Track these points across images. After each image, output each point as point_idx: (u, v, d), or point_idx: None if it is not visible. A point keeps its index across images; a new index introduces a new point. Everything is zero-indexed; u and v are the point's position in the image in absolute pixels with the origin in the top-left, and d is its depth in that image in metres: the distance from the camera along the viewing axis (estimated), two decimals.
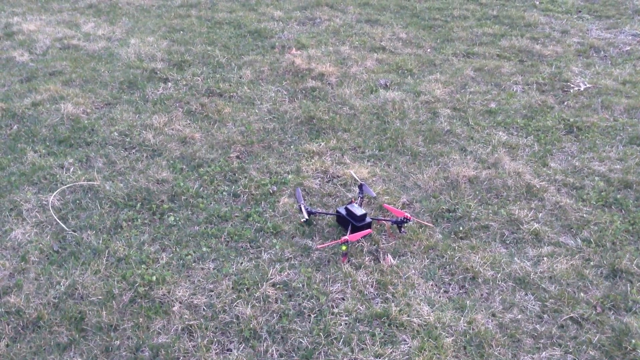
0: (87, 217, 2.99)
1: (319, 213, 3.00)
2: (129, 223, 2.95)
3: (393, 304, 2.46)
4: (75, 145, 3.64)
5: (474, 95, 4.41)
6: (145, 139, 3.69)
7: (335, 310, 2.44)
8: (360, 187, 3.06)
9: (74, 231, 2.89)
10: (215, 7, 6.50)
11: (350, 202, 2.94)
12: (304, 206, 2.96)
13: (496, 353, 2.27)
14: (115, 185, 3.21)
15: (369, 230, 2.82)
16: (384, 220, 2.94)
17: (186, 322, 2.37)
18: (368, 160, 3.55)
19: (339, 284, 2.57)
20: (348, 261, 2.70)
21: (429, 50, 5.35)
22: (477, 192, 3.25)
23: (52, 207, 3.05)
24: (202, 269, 2.66)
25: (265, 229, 2.92)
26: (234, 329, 2.35)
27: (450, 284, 2.62)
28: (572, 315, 2.45)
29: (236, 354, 2.25)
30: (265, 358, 2.24)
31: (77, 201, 3.11)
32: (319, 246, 2.80)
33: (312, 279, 2.60)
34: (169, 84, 4.49)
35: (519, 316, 2.45)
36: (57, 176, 3.30)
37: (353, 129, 3.89)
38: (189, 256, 2.73)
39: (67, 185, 3.23)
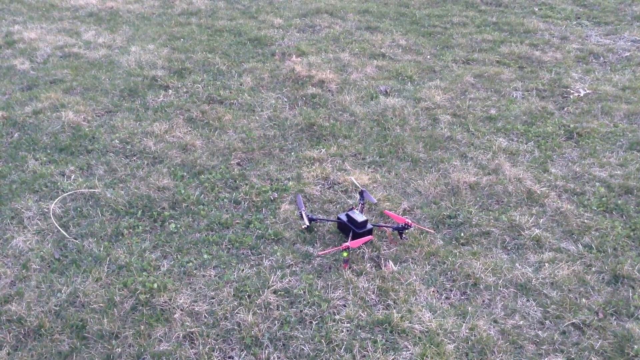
0: (88, 224, 2.99)
1: (320, 220, 3.00)
2: (130, 230, 2.95)
3: (394, 311, 2.46)
4: (76, 153, 3.65)
5: (474, 101, 4.43)
6: (146, 146, 3.69)
7: (337, 317, 2.44)
8: (361, 193, 3.06)
9: (75, 239, 2.89)
10: (216, 15, 6.52)
11: (351, 209, 2.94)
12: (305, 213, 2.96)
13: (498, 359, 2.27)
14: (116, 193, 3.21)
15: (370, 236, 2.82)
16: (385, 226, 2.94)
17: (187, 330, 2.36)
18: (369, 167, 3.55)
19: (340, 291, 2.57)
20: (349, 268, 2.70)
21: (428, 56, 5.36)
22: (478, 198, 3.25)
23: (53, 214, 3.05)
24: (204, 276, 2.66)
25: (266, 236, 2.92)
26: (235, 336, 2.35)
27: (451, 290, 2.62)
28: (574, 321, 2.44)
29: None
30: None
31: (78, 209, 3.11)
32: (320, 253, 2.80)
33: (314, 285, 2.60)
34: (170, 91, 4.50)
35: (521, 322, 2.44)
36: (58, 184, 3.31)
37: (353, 136, 3.89)
38: (190, 263, 2.73)
39: (68, 193, 3.23)
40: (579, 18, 6.47)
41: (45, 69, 4.95)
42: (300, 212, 2.98)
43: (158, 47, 5.42)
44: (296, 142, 3.83)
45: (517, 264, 2.76)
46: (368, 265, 2.73)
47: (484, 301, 2.56)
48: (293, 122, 4.06)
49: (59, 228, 2.96)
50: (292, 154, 3.68)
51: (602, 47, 5.53)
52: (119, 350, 2.28)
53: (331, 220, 3.00)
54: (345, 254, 2.68)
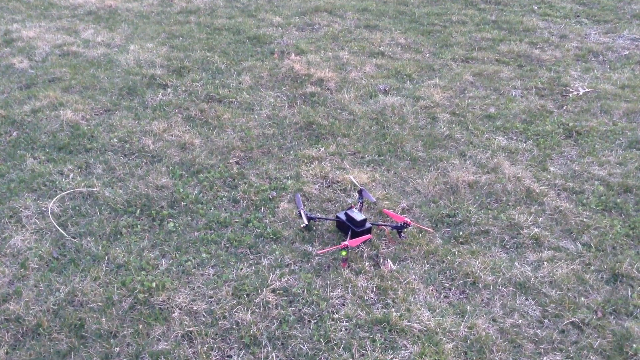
0: (86, 223, 2.99)
1: (319, 218, 3.00)
2: (129, 229, 2.95)
3: (393, 310, 2.45)
4: (75, 151, 3.64)
5: (473, 100, 4.42)
6: (145, 145, 3.69)
7: (336, 316, 2.44)
8: (360, 192, 3.06)
9: (74, 238, 2.89)
10: (215, 14, 6.51)
11: (350, 208, 2.94)
12: (304, 212, 2.96)
13: (497, 358, 2.27)
14: (114, 192, 3.21)
15: (369, 235, 2.82)
16: (384, 225, 2.93)
17: (186, 329, 2.36)
18: (367, 166, 3.55)
19: (339, 290, 2.57)
20: (348, 267, 2.70)
21: (427, 55, 5.36)
22: (477, 197, 3.25)
23: (52, 213, 3.05)
24: (202, 275, 2.66)
25: (265, 235, 2.92)
26: (234, 335, 2.35)
27: (450, 289, 2.62)
28: (573, 320, 2.44)
29: None
30: None
31: (77, 208, 3.10)
32: (319, 252, 2.79)
33: (312, 284, 2.60)
34: (169, 90, 4.49)
35: (520, 321, 2.44)
36: (57, 183, 3.30)
37: (352, 134, 3.89)
38: (189, 262, 2.72)
39: (67, 192, 3.23)
40: (578, 16, 6.46)
41: (43, 67, 4.94)
42: (299, 211, 2.97)
43: (157, 46, 5.41)
44: (295, 140, 3.83)
45: (516, 263, 2.76)
46: (367, 264, 2.72)
47: (482, 300, 2.56)
48: (292, 120, 4.05)
49: (58, 227, 2.96)
50: (291, 152, 3.67)
51: (602, 46, 5.53)
52: (118, 349, 2.28)
53: (330, 219, 3.00)
54: (344, 253, 2.68)
